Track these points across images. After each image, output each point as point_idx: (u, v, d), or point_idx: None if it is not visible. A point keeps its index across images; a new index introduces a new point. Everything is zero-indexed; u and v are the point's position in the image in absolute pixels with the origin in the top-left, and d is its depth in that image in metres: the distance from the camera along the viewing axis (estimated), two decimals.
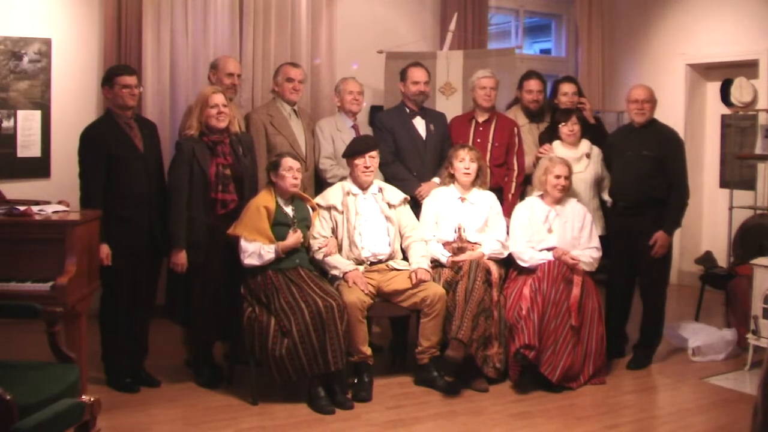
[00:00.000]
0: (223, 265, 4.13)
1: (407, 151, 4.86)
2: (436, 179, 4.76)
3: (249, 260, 4.00)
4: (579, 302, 4.24)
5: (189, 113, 4.28)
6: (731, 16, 6.60)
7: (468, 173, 4.51)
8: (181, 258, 4.03)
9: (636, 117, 4.64)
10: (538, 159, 4.81)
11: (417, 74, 4.94)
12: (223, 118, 4.12)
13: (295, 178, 4.13)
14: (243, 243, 3.99)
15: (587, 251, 4.46)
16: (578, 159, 4.71)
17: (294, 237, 4.11)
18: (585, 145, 4.79)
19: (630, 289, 4.77)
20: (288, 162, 4.13)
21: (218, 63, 4.72)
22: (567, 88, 5.04)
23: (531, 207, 4.57)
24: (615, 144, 4.77)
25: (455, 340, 4.06)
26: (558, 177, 4.47)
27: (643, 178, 4.54)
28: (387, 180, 4.67)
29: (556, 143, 4.81)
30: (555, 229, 4.49)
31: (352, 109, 4.90)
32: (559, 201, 4.54)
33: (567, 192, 4.54)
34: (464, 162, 4.51)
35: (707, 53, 6.84)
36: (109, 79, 4.03)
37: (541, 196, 4.59)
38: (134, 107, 4.12)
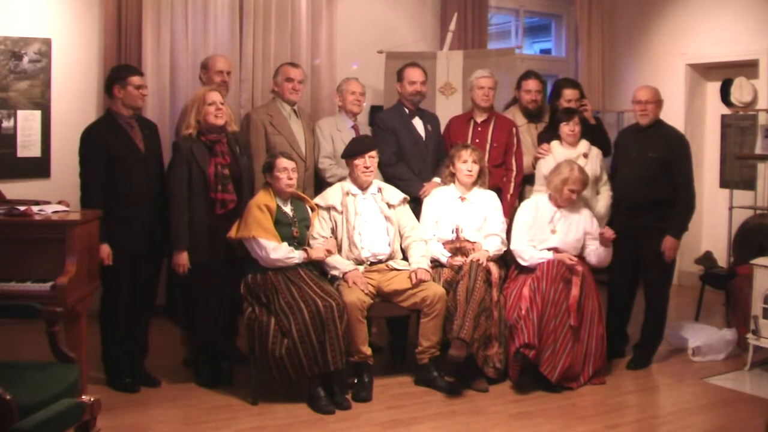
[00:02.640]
0: (224, 264, 4.13)
1: (410, 152, 4.86)
2: (437, 179, 4.76)
3: (275, 254, 3.99)
4: (578, 302, 4.24)
5: (185, 113, 4.28)
6: (731, 16, 6.60)
7: (470, 174, 4.51)
8: (183, 259, 4.03)
9: (640, 118, 4.63)
10: (536, 159, 4.80)
11: (413, 74, 4.93)
12: (221, 115, 4.12)
13: (290, 179, 4.13)
14: (262, 241, 3.97)
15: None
16: (576, 159, 4.69)
17: (321, 251, 4.15)
18: (583, 145, 4.79)
19: (632, 289, 4.77)
20: (282, 162, 4.12)
21: (208, 62, 4.75)
22: (570, 94, 5.00)
23: (537, 206, 4.55)
24: (621, 144, 4.77)
25: (458, 340, 4.06)
26: (573, 191, 4.43)
27: (647, 179, 4.54)
28: (391, 181, 4.67)
29: (555, 143, 4.81)
30: (558, 230, 4.49)
31: (353, 110, 4.89)
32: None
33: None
34: (467, 163, 4.51)
35: (707, 53, 6.84)
36: (121, 79, 4.02)
37: (549, 196, 4.57)
38: (141, 107, 4.15)
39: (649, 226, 4.55)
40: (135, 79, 4.00)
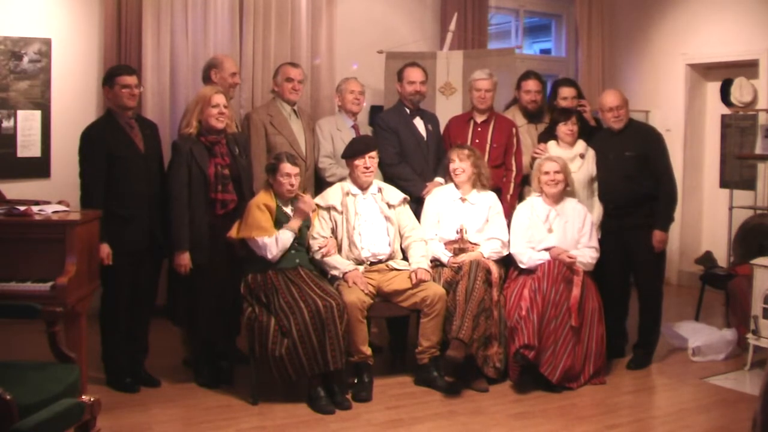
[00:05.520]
0: (225, 264, 4.13)
1: (411, 152, 4.86)
2: (440, 179, 4.76)
3: (272, 252, 3.99)
4: (579, 303, 4.24)
5: (188, 112, 4.28)
6: (731, 16, 6.60)
7: (458, 174, 4.51)
8: (185, 259, 4.03)
9: (614, 124, 4.68)
10: (533, 159, 4.80)
11: (413, 74, 4.93)
12: (222, 119, 4.12)
13: (292, 185, 4.12)
14: (259, 240, 3.98)
15: (586, 251, 4.46)
16: (572, 159, 4.70)
17: (299, 213, 4.12)
18: (580, 145, 4.79)
19: (625, 287, 4.78)
20: (286, 168, 4.11)
21: (221, 62, 4.68)
22: (567, 92, 5.04)
23: (532, 207, 4.57)
24: (597, 148, 4.77)
25: (456, 340, 4.06)
26: (546, 173, 4.49)
27: (629, 178, 4.57)
28: (393, 181, 4.67)
29: (551, 143, 4.81)
30: (555, 229, 4.49)
31: (353, 109, 4.90)
32: (558, 200, 4.54)
33: (564, 187, 4.54)
34: (455, 163, 4.52)
35: (707, 53, 6.84)
36: (109, 79, 4.04)
37: (541, 196, 4.59)
38: (134, 107, 4.13)
39: (637, 224, 4.58)
40: (122, 79, 3.99)
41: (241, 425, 3.70)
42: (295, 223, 4.12)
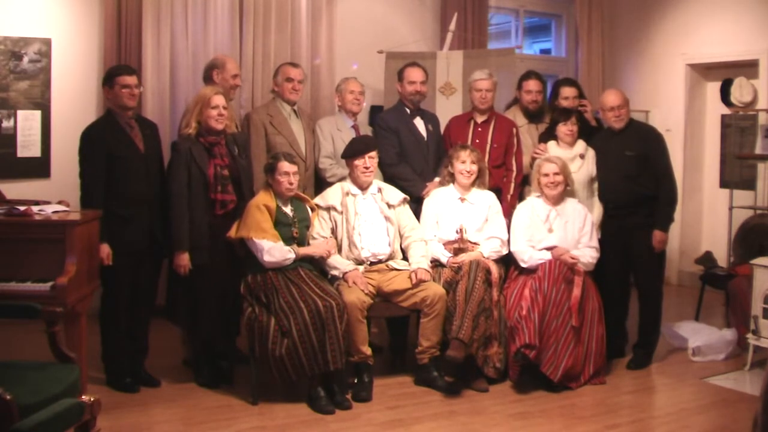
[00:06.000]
0: (225, 264, 4.13)
1: (412, 152, 4.86)
2: (439, 179, 4.76)
3: (269, 257, 3.99)
4: (579, 303, 4.25)
5: (187, 112, 4.28)
6: (731, 16, 6.60)
7: (468, 175, 4.51)
8: (184, 260, 4.03)
9: (615, 124, 4.67)
10: (533, 159, 4.81)
11: (413, 74, 4.93)
12: (222, 120, 4.11)
13: (291, 183, 4.12)
14: (258, 242, 3.98)
15: (586, 250, 4.46)
16: (572, 159, 4.70)
17: (318, 248, 4.17)
18: (580, 145, 4.78)
19: (625, 287, 4.78)
20: (284, 167, 4.11)
21: (223, 63, 4.67)
22: (568, 92, 5.04)
23: (532, 207, 4.58)
24: (597, 148, 4.78)
25: (456, 340, 4.06)
26: (546, 175, 4.50)
27: (630, 177, 4.58)
28: (393, 181, 4.67)
29: (551, 143, 4.81)
30: (555, 228, 4.50)
31: (353, 109, 4.90)
32: (558, 200, 4.55)
33: (564, 189, 4.55)
34: (465, 164, 4.51)
35: (707, 53, 6.84)
36: (108, 79, 4.04)
37: (542, 196, 4.59)
38: (134, 107, 4.13)
39: (637, 224, 4.58)
40: (122, 79, 3.98)
41: (241, 425, 3.71)
42: (305, 251, 4.14)
